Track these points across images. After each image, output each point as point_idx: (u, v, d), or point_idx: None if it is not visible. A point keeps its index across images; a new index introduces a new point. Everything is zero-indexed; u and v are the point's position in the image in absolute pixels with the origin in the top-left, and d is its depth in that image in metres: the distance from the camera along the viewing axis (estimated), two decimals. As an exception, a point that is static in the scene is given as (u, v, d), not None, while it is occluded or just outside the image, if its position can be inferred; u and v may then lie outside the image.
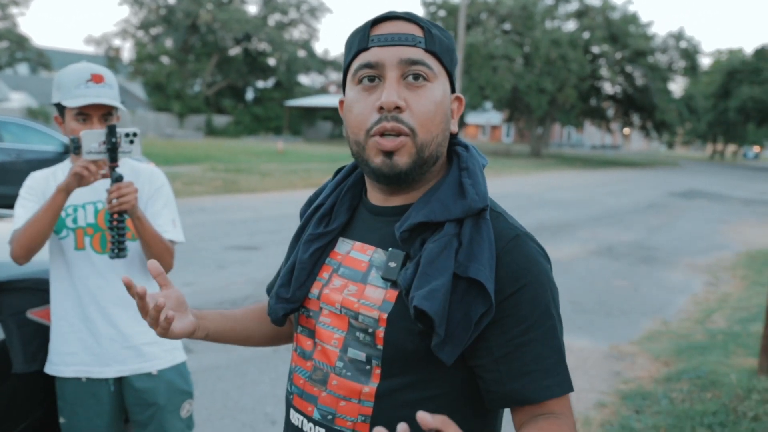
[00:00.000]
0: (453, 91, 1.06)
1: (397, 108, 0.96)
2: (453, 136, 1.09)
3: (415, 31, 0.99)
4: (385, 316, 0.98)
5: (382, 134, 0.97)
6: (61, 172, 2.03)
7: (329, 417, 1.02)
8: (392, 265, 1.00)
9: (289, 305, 1.09)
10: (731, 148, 71.54)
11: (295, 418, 1.08)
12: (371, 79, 0.99)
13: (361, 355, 1.00)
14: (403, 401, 0.99)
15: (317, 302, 1.07)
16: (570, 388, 0.98)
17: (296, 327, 1.13)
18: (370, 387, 0.99)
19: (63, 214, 1.96)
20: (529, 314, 0.96)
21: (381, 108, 0.97)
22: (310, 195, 1.22)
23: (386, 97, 0.96)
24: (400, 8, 1.23)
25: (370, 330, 0.99)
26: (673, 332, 5.55)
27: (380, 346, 0.98)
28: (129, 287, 1.01)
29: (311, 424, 1.04)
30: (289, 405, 1.12)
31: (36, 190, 1.99)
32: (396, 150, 0.97)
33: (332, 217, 1.11)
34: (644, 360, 4.80)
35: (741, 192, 22.38)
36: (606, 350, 5.00)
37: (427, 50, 0.99)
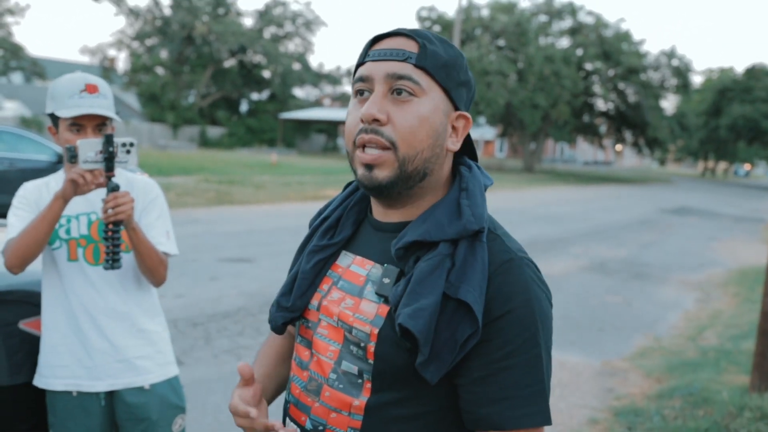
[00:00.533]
0: (457, 108, 1.04)
1: (376, 121, 0.97)
2: (459, 155, 1.10)
3: (408, 46, 1.00)
4: (376, 331, 0.99)
5: (364, 147, 0.99)
6: (54, 182, 2.02)
7: (320, 428, 1.03)
8: (386, 281, 1.01)
9: (289, 314, 1.10)
10: (722, 165, 72.05)
11: (290, 427, 1.09)
12: (361, 92, 1.02)
13: (354, 369, 1.01)
14: (391, 417, 0.99)
15: (316, 313, 1.08)
16: (546, 422, 0.95)
17: (296, 337, 1.14)
18: (360, 400, 1.00)
19: (56, 225, 1.95)
20: (513, 339, 0.95)
21: (362, 119, 0.99)
22: (320, 207, 1.23)
23: (366, 109, 0.97)
24: (396, 24, 1.22)
25: (362, 344, 1.00)
26: (665, 349, 5.56)
27: (371, 361, 0.99)
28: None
29: None
30: (285, 414, 1.12)
31: (29, 200, 1.97)
32: (375, 163, 0.98)
33: (337, 230, 1.12)
34: (636, 376, 4.80)
35: (732, 209, 22.52)
36: (598, 366, 5.00)
37: (417, 66, 0.99)
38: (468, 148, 1.12)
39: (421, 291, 0.94)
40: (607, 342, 5.68)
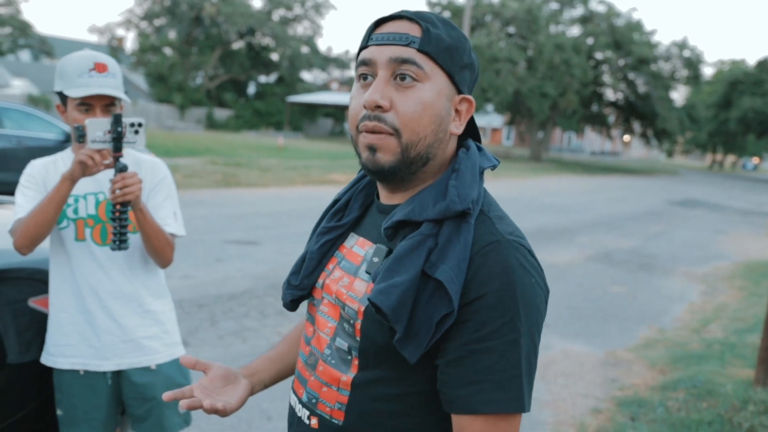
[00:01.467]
0: (460, 92, 1.03)
1: (379, 107, 0.97)
2: (463, 137, 1.10)
3: (412, 30, 0.99)
4: (363, 308, 1.00)
5: (367, 131, 1.00)
6: (61, 161, 2.01)
7: (313, 401, 1.07)
8: (375, 260, 1.03)
9: (297, 292, 1.14)
10: (731, 158, 71.65)
11: (292, 400, 1.14)
12: (365, 76, 1.01)
13: (345, 345, 1.03)
14: (375, 395, 1.00)
15: (321, 291, 1.12)
16: (520, 408, 0.93)
17: (306, 314, 1.18)
18: (348, 376, 1.02)
19: (64, 205, 1.94)
20: (489, 322, 0.92)
21: (365, 106, 0.99)
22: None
23: (368, 95, 0.97)
24: (405, 7, 1.22)
25: (352, 321, 1.02)
26: (670, 340, 5.55)
27: (358, 338, 1.01)
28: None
29: (300, 406, 1.10)
30: (292, 386, 1.17)
31: (36, 179, 1.97)
32: (379, 147, 0.98)
33: (346, 212, 1.14)
34: (640, 367, 4.80)
35: (739, 203, 22.42)
36: (602, 356, 5.00)
37: (420, 50, 0.98)
38: (472, 130, 1.11)
39: (398, 269, 0.94)
40: (611, 332, 5.67)
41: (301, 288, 1.12)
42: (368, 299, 0.94)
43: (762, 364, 4.15)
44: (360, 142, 1.01)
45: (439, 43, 0.98)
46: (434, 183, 1.02)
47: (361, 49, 1.03)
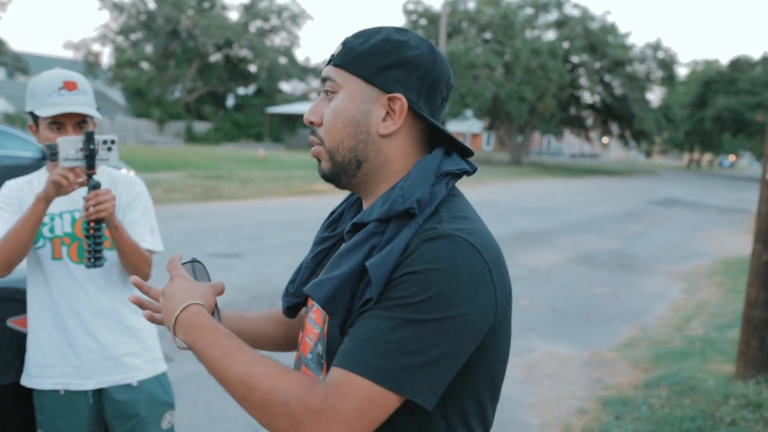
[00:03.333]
0: (389, 91, 1.03)
1: (312, 123, 1.09)
2: (435, 143, 1.08)
3: (337, 50, 1.08)
4: None
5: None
6: (36, 180, 2.00)
7: None
8: None
9: (293, 299, 1.18)
10: (708, 157, 72.63)
11: None
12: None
13: (320, 349, 1.07)
14: None
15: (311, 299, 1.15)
16: (365, 373, 0.88)
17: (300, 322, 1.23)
18: (320, 380, 1.01)
19: (39, 226, 1.92)
20: (398, 297, 0.91)
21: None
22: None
23: (305, 114, 1.10)
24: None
25: (325, 325, 1.07)
26: (652, 339, 5.61)
27: (326, 341, 1.05)
28: (140, 306, 1.17)
29: None
30: None
31: (11, 199, 1.95)
32: (318, 157, 1.10)
33: (339, 223, 1.18)
34: (624, 366, 4.85)
35: (717, 200, 22.73)
36: (586, 357, 5.05)
37: (334, 65, 1.07)
38: (443, 137, 1.08)
39: (338, 264, 0.99)
40: (594, 333, 5.73)
41: (296, 295, 1.16)
42: (304, 290, 0.99)
43: (742, 358, 4.22)
44: None
45: (349, 53, 1.05)
46: (390, 188, 1.05)
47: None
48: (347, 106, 1.05)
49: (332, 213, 1.22)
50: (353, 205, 1.18)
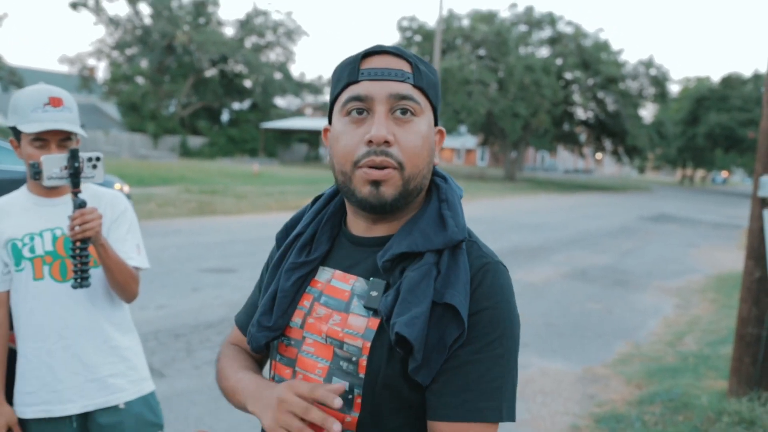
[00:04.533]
0: (436, 123, 1.09)
1: (386, 142, 0.99)
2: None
3: (404, 66, 1.02)
4: (368, 344, 0.99)
5: (371, 167, 1.00)
6: (10, 206, 1.93)
7: None
8: (374, 294, 1.02)
9: (271, 333, 1.10)
10: (700, 173, 73.00)
11: None
12: (360, 111, 1.02)
13: (345, 385, 1.00)
14: (383, 429, 1.00)
15: (300, 331, 1.08)
16: (503, 418, 0.97)
17: (275, 355, 1.13)
18: (352, 416, 1.00)
19: (19, 244, 1.88)
20: (482, 336, 0.97)
21: (370, 141, 0.99)
22: (286, 221, 1.23)
23: (376, 131, 0.98)
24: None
25: (354, 359, 1.00)
26: (645, 355, 5.61)
27: (362, 375, 0.99)
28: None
29: None
30: None
31: None
32: (383, 181, 0.99)
33: (313, 246, 1.13)
34: (617, 383, 4.85)
35: (710, 216, 22.82)
36: (580, 373, 5.04)
37: (414, 86, 1.02)
38: None
39: (412, 300, 0.96)
40: (588, 349, 5.72)
41: (274, 329, 1.09)
42: (396, 332, 0.93)
43: (735, 375, 4.22)
44: (359, 177, 1.00)
45: (427, 78, 1.04)
46: (424, 213, 1.05)
47: (349, 83, 1.03)
48: (429, 134, 1.04)
49: (298, 233, 1.15)
50: (326, 224, 1.13)
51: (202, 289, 6.79)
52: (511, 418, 0.98)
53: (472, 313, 0.98)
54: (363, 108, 1.01)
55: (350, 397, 1.00)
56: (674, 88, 58.33)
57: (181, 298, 6.39)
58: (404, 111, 1.00)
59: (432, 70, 1.07)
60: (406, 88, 1.00)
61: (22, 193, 1.97)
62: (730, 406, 3.93)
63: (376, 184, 1.00)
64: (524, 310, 6.90)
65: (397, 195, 1.01)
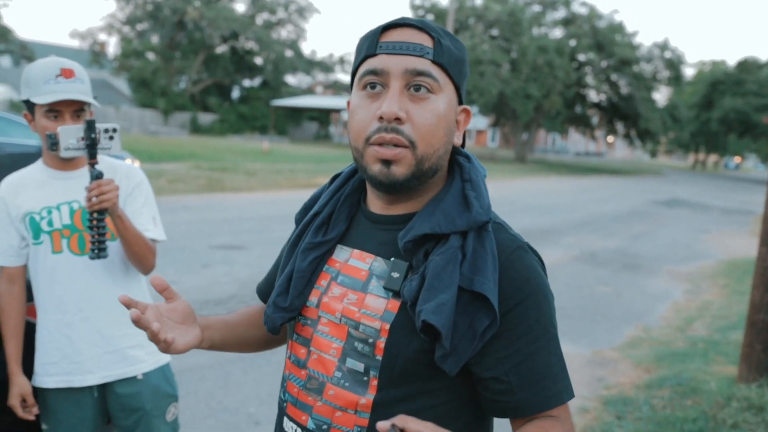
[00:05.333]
0: (461, 102, 1.04)
1: (397, 119, 0.95)
2: (455, 146, 1.09)
3: (424, 40, 0.98)
4: (387, 326, 0.97)
5: (381, 144, 0.96)
6: (30, 179, 1.95)
7: (324, 427, 1.01)
8: (395, 275, 0.99)
9: (288, 314, 1.08)
10: (713, 158, 72.45)
11: (289, 427, 1.07)
12: (373, 86, 0.98)
13: (360, 366, 0.99)
14: (399, 412, 0.97)
15: (316, 310, 1.06)
16: (573, 394, 1.01)
17: (291, 335, 1.11)
18: (367, 398, 0.98)
19: (37, 218, 1.90)
20: (535, 324, 0.98)
21: (381, 117, 0.95)
22: (305, 201, 1.21)
23: (387, 107, 0.95)
24: (390, 11, 1.21)
25: (371, 340, 0.98)
26: (655, 339, 5.60)
27: (379, 357, 0.97)
28: (127, 306, 0.99)
29: None
30: (282, 413, 1.10)
31: (2, 213, 1.92)
32: (394, 159, 0.96)
33: (330, 225, 1.10)
34: (626, 366, 4.84)
35: (722, 201, 22.66)
36: (589, 356, 5.04)
37: (434, 61, 0.97)
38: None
39: (439, 285, 0.93)
40: (597, 332, 5.71)
41: (291, 309, 1.07)
42: (423, 320, 0.91)
43: (745, 361, 4.21)
44: (370, 155, 0.97)
45: (450, 54, 0.99)
46: (448, 193, 1.02)
47: (367, 56, 0.99)
48: (448, 113, 1.00)
49: (316, 212, 1.12)
50: (344, 203, 1.10)
51: (212, 265, 6.82)
52: (573, 393, 1.02)
53: (516, 304, 0.96)
54: (378, 82, 0.97)
55: (365, 378, 0.99)
56: (689, 72, 57.88)
57: (192, 274, 6.42)
58: (418, 87, 0.96)
59: (459, 45, 1.02)
60: (424, 64, 0.96)
61: (37, 167, 1.98)
62: (740, 392, 3.92)
63: (387, 163, 0.96)
64: (533, 293, 6.89)
65: (410, 175, 0.97)
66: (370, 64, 0.98)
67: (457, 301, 0.93)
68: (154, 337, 0.99)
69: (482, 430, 1.07)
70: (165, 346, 1.01)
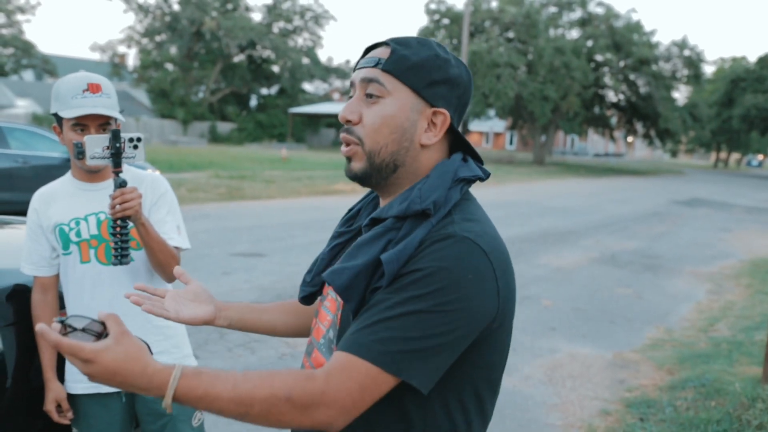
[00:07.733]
0: (433, 105, 1.09)
1: (348, 121, 1.10)
2: (454, 148, 1.15)
3: (382, 54, 1.10)
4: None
5: (342, 143, 1.13)
6: (62, 191, 2.01)
7: None
8: None
9: (308, 288, 1.24)
10: (735, 156, 71.47)
11: None
12: (351, 96, 1.15)
13: (331, 334, 1.14)
14: None
15: (327, 289, 1.22)
16: (366, 356, 0.95)
17: (316, 309, 1.27)
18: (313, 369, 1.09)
19: (66, 229, 1.96)
20: (403, 290, 0.97)
21: (339, 120, 1.13)
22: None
23: (341, 111, 1.11)
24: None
25: (338, 311, 1.13)
26: (677, 340, 5.55)
27: (339, 327, 1.11)
28: (129, 297, 1.19)
29: None
30: None
31: (34, 223, 1.99)
32: (349, 155, 1.12)
33: (356, 219, 1.24)
34: (648, 368, 4.81)
35: (744, 200, 22.36)
36: (610, 358, 5.01)
37: (383, 70, 1.08)
38: (461, 143, 1.16)
39: (355, 254, 1.05)
40: (618, 334, 5.68)
41: (312, 284, 1.23)
42: (322, 276, 1.05)
43: (769, 361, 4.16)
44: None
45: (403, 61, 1.08)
46: (409, 188, 1.11)
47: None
48: (396, 113, 1.09)
49: (350, 210, 1.28)
50: (371, 203, 1.24)
51: (233, 273, 6.89)
52: (389, 369, 0.94)
53: (407, 272, 0.99)
54: (351, 93, 1.15)
55: (332, 346, 1.13)
56: (709, 69, 57.09)
57: (212, 281, 6.49)
58: (369, 95, 1.09)
59: (423, 53, 1.08)
60: (374, 73, 1.09)
61: (66, 179, 2.04)
62: (765, 393, 3.88)
63: (348, 159, 1.13)
64: (552, 295, 6.86)
65: (364, 168, 1.10)
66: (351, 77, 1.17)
67: (375, 273, 1.02)
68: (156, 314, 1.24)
69: (435, 412, 1.05)
70: (166, 318, 1.25)
